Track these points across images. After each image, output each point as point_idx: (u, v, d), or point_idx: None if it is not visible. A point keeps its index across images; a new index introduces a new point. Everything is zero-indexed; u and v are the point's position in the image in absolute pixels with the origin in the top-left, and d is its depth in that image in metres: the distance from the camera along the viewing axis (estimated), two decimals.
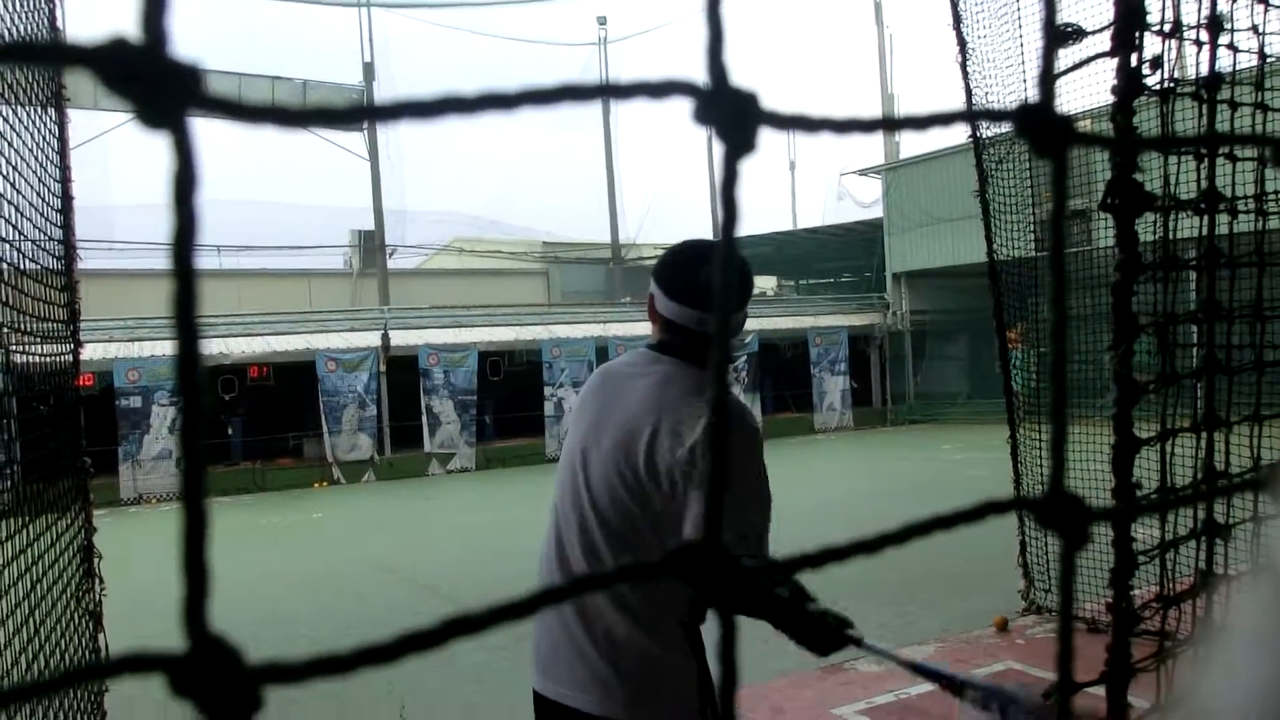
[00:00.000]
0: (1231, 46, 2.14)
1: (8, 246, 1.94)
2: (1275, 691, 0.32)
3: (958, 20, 4.58)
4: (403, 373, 13.65)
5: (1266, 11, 2.22)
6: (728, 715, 0.32)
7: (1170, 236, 2.02)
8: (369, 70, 18.55)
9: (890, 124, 0.34)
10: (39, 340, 2.30)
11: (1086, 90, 3.29)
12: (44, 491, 2.33)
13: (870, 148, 21.82)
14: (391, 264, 20.12)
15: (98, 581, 2.85)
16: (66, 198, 2.78)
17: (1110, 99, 1.73)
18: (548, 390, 14.27)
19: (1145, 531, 2.21)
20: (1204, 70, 2.05)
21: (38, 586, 2.03)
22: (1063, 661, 0.35)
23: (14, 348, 2.03)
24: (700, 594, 0.29)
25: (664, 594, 1.56)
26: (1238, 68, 2.19)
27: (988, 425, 10.22)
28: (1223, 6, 2.09)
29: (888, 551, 0.31)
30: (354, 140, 18.89)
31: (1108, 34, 1.74)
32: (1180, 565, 2.18)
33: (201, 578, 0.21)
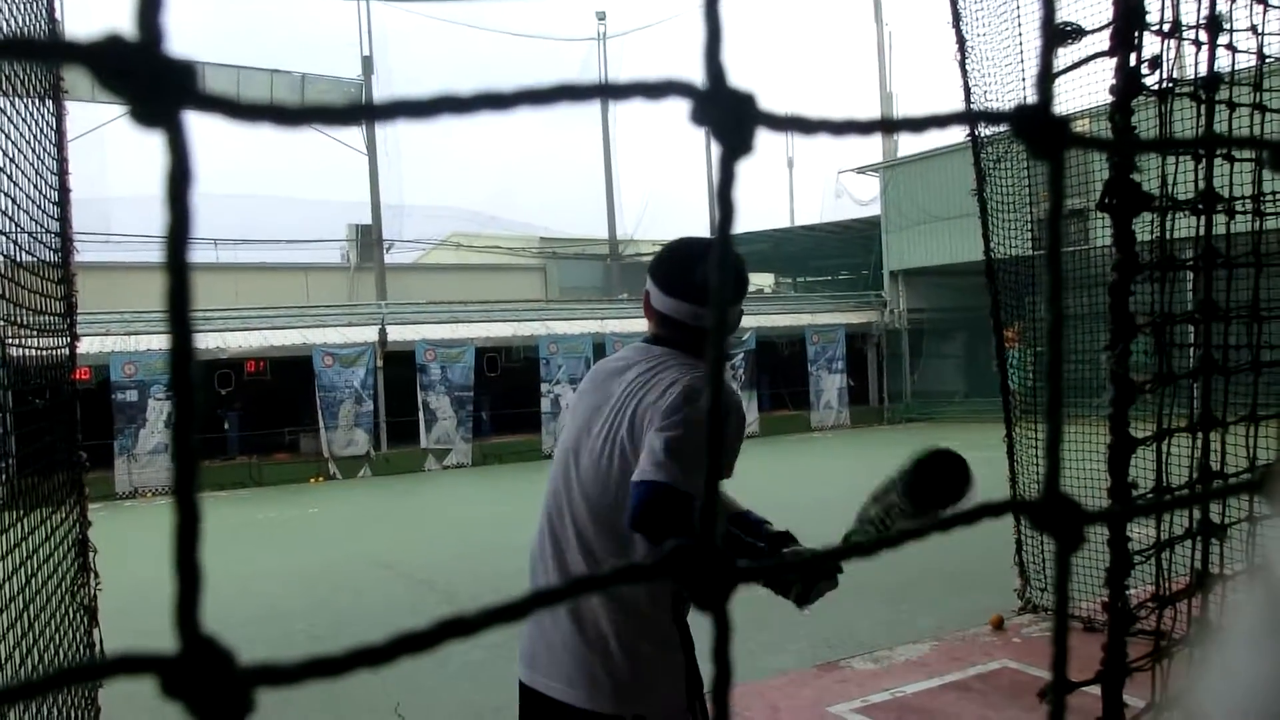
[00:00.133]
0: (1230, 47, 2.14)
1: (4, 239, 1.93)
2: (1270, 691, 0.32)
3: (957, 18, 4.57)
4: (399, 368, 13.64)
5: (1266, 12, 2.23)
6: (722, 713, 0.32)
7: (1167, 236, 2.02)
8: (368, 64, 18.50)
9: (887, 125, 0.34)
10: (35, 333, 2.29)
11: (1085, 89, 3.29)
12: (39, 485, 2.32)
13: (868, 146, 21.84)
14: (389, 259, 20.08)
15: (93, 576, 2.84)
16: (64, 190, 2.77)
17: (1109, 98, 1.73)
18: (544, 386, 14.26)
19: (1141, 531, 2.21)
20: (1203, 70, 2.05)
21: (32, 581, 2.02)
22: (1058, 662, 0.35)
23: (10, 340, 2.03)
24: (694, 594, 0.29)
25: (651, 588, 1.57)
26: (1236, 68, 2.19)
27: (984, 424, 10.24)
28: (1222, 7, 2.09)
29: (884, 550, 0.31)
30: (352, 135, 18.84)
31: (1107, 33, 1.74)
32: (1176, 565, 2.19)
33: (194, 579, 0.21)
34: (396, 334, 13.74)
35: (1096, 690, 1.66)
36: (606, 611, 1.58)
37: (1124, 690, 1.67)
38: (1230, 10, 2.18)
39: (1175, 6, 2.02)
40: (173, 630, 0.21)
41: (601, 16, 22.23)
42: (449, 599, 5.84)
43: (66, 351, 2.77)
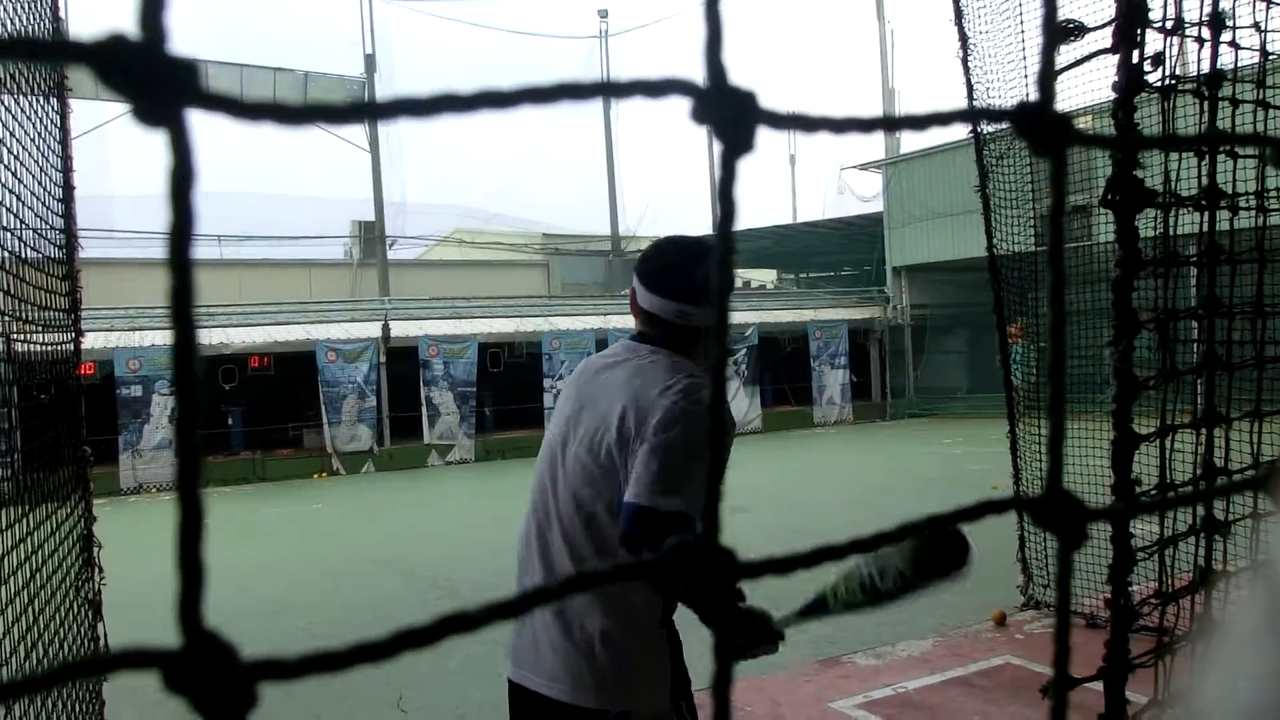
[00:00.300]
0: (1233, 44, 2.13)
1: (10, 235, 1.93)
2: (1273, 689, 0.32)
3: (959, 15, 4.56)
4: (403, 364, 13.66)
5: (1269, 9, 2.22)
6: (722, 711, 0.33)
7: (1171, 232, 2.01)
8: (370, 62, 18.49)
9: (889, 123, 0.34)
10: (40, 329, 2.30)
11: (1088, 86, 3.28)
12: (45, 480, 2.33)
13: (871, 142, 21.80)
14: (392, 255, 20.10)
15: (97, 570, 2.85)
16: (68, 187, 2.78)
17: (1111, 95, 1.73)
18: (547, 382, 14.27)
19: (1144, 527, 2.21)
20: (1205, 67, 2.04)
21: (38, 575, 2.03)
22: (1060, 658, 0.35)
23: (16, 336, 2.03)
24: (696, 592, 0.29)
25: (638, 586, 1.57)
26: (1239, 65, 2.18)
27: (987, 420, 10.23)
28: (1224, 3, 2.08)
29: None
30: (355, 132, 18.84)
31: (1109, 30, 1.73)
32: (1179, 561, 2.18)
33: (197, 574, 0.21)
34: (399, 329, 13.76)
35: (1099, 687, 1.66)
36: (594, 608, 1.58)
37: (1126, 687, 1.67)
38: (1233, 7, 2.18)
39: (1178, 3, 2.01)
40: (176, 625, 0.22)
41: (604, 15, 22.21)
42: (450, 594, 5.86)
43: (71, 347, 2.77)
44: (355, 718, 3.91)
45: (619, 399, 1.62)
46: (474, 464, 13.67)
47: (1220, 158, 2.09)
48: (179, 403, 0.22)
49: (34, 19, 2.31)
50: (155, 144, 0.22)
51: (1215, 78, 2.00)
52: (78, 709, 2.38)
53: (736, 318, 15.38)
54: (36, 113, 2.34)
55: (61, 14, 2.67)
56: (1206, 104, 2.00)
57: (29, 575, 1.95)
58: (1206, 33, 2.02)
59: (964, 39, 4.59)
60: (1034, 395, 4.99)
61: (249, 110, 0.22)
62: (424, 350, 13.65)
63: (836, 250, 22.53)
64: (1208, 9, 2.02)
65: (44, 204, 2.40)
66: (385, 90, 18.38)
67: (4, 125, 1.91)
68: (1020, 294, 4.92)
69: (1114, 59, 1.71)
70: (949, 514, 0.34)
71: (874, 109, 22.30)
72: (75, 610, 2.53)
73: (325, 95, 18.13)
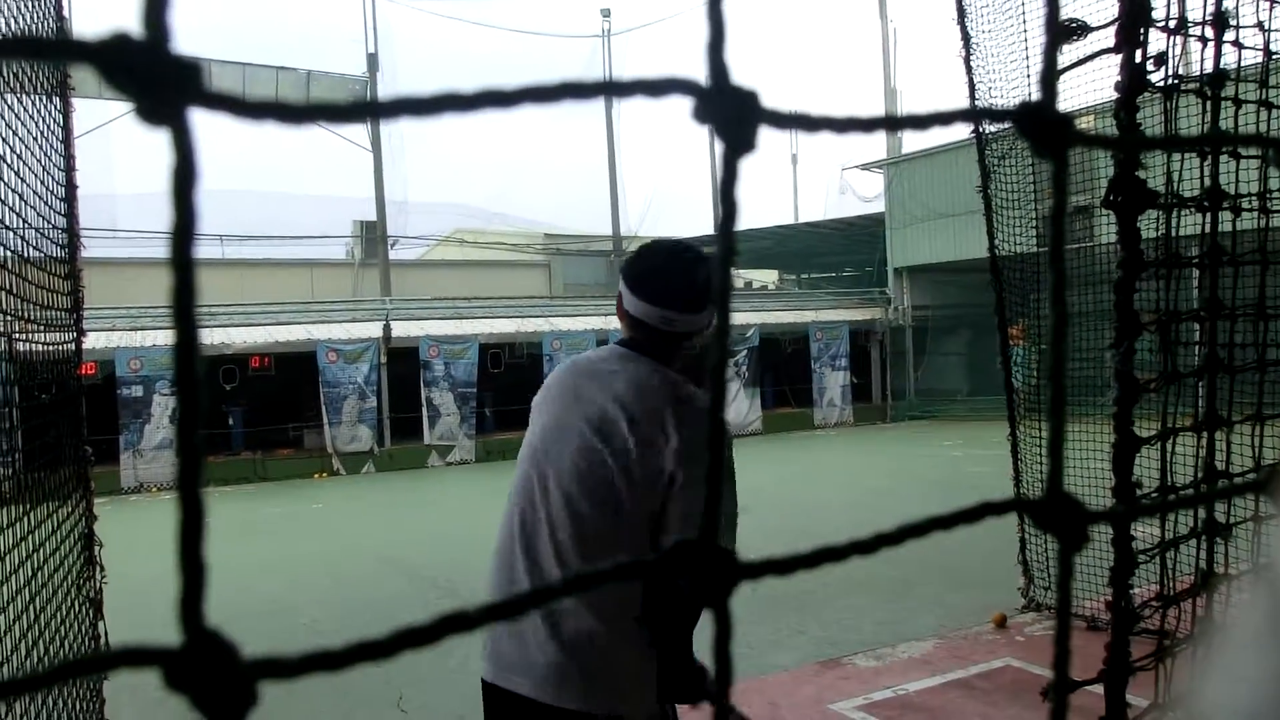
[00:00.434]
0: (1236, 43, 2.13)
1: (12, 234, 1.94)
2: (1275, 692, 0.32)
3: (962, 14, 4.56)
4: (403, 364, 13.66)
5: (1272, 8, 2.21)
6: (722, 710, 0.33)
7: (1173, 234, 2.01)
8: (372, 61, 18.51)
9: (891, 123, 0.34)
10: (42, 328, 2.30)
11: (1090, 86, 3.28)
12: (46, 479, 2.33)
13: (873, 142, 21.80)
14: (393, 255, 20.11)
15: (98, 569, 2.86)
16: (70, 186, 2.78)
17: (1114, 95, 1.73)
18: None
19: (1145, 530, 2.21)
20: (1208, 67, 2.04)
21: (39, 574, 2.03)
22: (1060, 660, 0.35)
23: (18, 335, 2.04)
24: (697, 592, 0.29)
25: (624, 587, 1.56)
26: (1243, 65, 2.18)
27: (988, 422, 10.22)
28: (1228, 3, 2.08)
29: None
30: (357, 131, 18.85)
31: (1112, 30, 1.73)
32: (1180, 564, 2.18)
33: (198, 573, 0.21)
34: (400, 330, 13.76)
35: (1099, 689, 1.66)
36: (583, 610, 1.57)
37: (1127, 690, 1.66)
38: (1236, 6, 2.17)
39: (1181, 3, 2.01)
40: (177, 624, 0.22)
41: (606, 14, 22.21)
42: (450, 594, 5.86)
43: (73, 346, 2.78)
44: (354, 716, 3.91)
45: (621, 418, 1.62)
46: (474, 465, 13.67)
47: (1223, 158, 2.08)
48: (180, 402, 0.22)
49: (37, 18, 2.32)
50: (158, 143, 0.22)
51: (1218, 78, 2.00)
52: (78, 706, 2.38)
53: (737, 318, 15.38)
54: (39, 111, 2.35)
55: (65, 13, 2.67)
56: (1209, 104, 2.00)
57: (31, 573, 1.95)
58: (1210, 32, 2.02)
59: (966, 38, 4.59)
60: (1035, 397, 4.98)
61: (252, 109, 0.22)
62: (425, 351, 13.66)
63: (838, 251, 22.52)
64: (1211, 8, 2.02)
65: (46, 203, 2.40)
66: (387, 89, 18.40)
67: (7, 124, 1.91)
68: (1022, 295, 4.92)
69: (1117, 58, 1.71)
70: (949, 515, 0.34)
71: (876, 108, 22.29)
72: (77, 608, 2.53)
73: (327, 94, 18.15)
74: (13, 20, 1.97)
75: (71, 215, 2.78)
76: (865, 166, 19.72)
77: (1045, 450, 0.41)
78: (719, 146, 0.28)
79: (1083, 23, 1.94)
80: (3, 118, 1.89)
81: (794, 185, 34.88)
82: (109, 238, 16.89)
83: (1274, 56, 2.27)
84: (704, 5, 0.27)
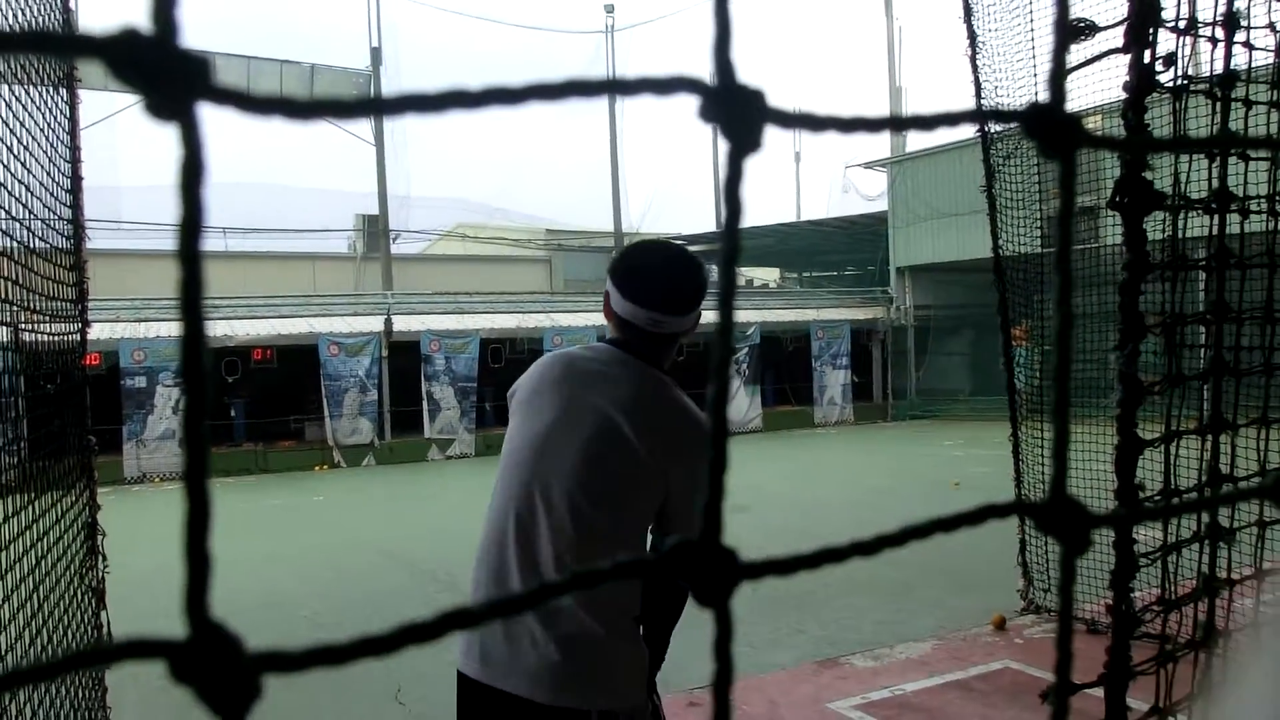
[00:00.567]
0: (1247, 44, 2.12)
1: (18, 226, 1.94)
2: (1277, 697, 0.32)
3: (968, 13, 4.54)
4: (404, 358, 13.68)
5: None
6: (722, 710, 0.33)
7: (1179, 235, 2.00)
8: (376, 55, 18.50)
9: (896, 123, 0.34)
10: (48, 319, 2.31)
11: (1098, 86, 3.27)
12: (50, 469, 2.34)
13: (876, 140, 21.74)
14: (395, 249, 20.12)
15: (101, 559, 2.87)
16: (76, 178, 2.78)
17: (1122, 95, 1.72)
18: None
19: (1147, 534, 2.20)
20: (1218, 68, 2.03)
21: (43, 563, 2.04)
22: (1061, 663, 0.35)
23: (24, 326, 2.04)
24: (699, 591, 0.29)
25: (623, 587, 1.56)
26: (1253, 65, 2.17)
27: (990, 422, 10.21)
28: (1239, 3, 2.07)
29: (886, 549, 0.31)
30: (360, 126, 18.84)
31: (1120, 29, 1.73)
32: (1183, 568, 2.17)
33: (203, 566, 0.21)
34: (402, 324, 13.78)
35: (1099, 693, 1.66)
36: (582, 610, 1.56)
37: (1127, 694, 1.66)
38: (1248, 7, 2.16)
39: (1191, 3, 2.00)
40: (182, 615, 0.22)
41: (610, 9, 22.16)
42: (450, 587, 5.87)
43: (77, 337, 2.78)
44: (354, 710, 3.92)
45: (624, 424, 1.61)
46: (474, 459, 13.68)
47: (1231, 160, 2.07)
48: (187, 393, 0.22)
49: (44, 11, 2.32)
50: (163, 135, 0.22)
51: (1228, 78, 1.99)
52: (82, 694, 2.39)
53: (738, 316, 15.36)
54: (45, 103, 2.35)
55: (71, 5, 2.67)
56: (1219, 105, 1.99)
57: (34, 562, 1.96)
58: (1220, 33, 2.01)
59: (973, 37, 4.57)
60: (1037, 399, 4.97)
61: (259, 105, 0.22)
62: (426, 345, 13.67)
63: (840, 249, 22.49)
64: (1222, 8, 2.01)
65: (53, 194, 2.40)
66: (390, 83, 18.40)
67: (13, 115, 1.92)
68: (1026, 296, 4.91)
69: (1125, 58, 1.70)
70: (951, 517, 0.34)
71: (881, 107, 22.24)
72: (79, 597, 2.54)
73: (331, 88, 18.16)
74: (20, 13, 1.98)
75: (77, 206, 2.78)
76: (868, 165, 19.68)
77: (1048, 451, 0.41)
78: (723, 145, 0.28)
79: (1091, 22, 1.93)
80: (10, 109, 1.89)
81: (796, 183, 34.86)
82: (113, 229, 16.92)
83: None
84: (710, 2, 0.27)
